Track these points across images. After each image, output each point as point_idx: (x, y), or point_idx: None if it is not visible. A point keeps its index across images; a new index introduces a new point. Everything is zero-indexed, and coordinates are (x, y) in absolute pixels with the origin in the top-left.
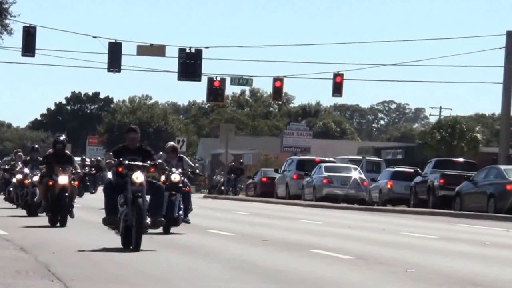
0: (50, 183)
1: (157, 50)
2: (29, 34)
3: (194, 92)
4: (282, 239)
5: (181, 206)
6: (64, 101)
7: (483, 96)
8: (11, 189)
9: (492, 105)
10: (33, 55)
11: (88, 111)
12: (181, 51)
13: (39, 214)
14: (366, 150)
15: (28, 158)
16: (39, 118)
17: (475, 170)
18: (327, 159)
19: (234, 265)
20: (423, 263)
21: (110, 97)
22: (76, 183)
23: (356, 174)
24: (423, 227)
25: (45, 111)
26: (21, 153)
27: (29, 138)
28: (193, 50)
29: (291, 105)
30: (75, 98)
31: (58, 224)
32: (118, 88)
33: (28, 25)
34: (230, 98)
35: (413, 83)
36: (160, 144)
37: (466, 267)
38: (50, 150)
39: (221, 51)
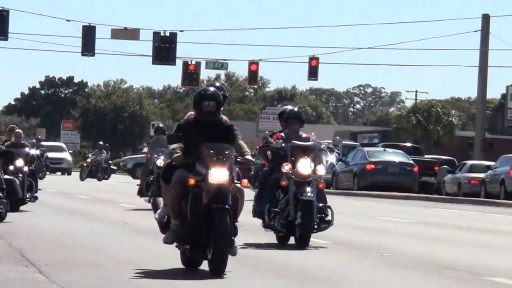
0: (192, 182)
1: (131, 34)
2: (2, 17)
3: (169, 76)
4: (256, 223)
5: None
6: (38, 86)
7: (459, 80)
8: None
9: (468, 89)
10: (6, 39)
11: (62, 96)
12: (156, 34)
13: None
14: (342, 134)
15: (37, 138)
16: (13, 102)
17: (420, 154)
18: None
19: None
20: (399, 248)
21: (84, 81)
22: (245, 183)
23: (332, 158)
24: (399, 212)
25: (19, 96)
26: (19, 130)
27: (3, 123)
28: (167, 34)
29: (267, 89)
30: (49, 82)
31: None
32: (93, 72)
33: (0, 8)
34: (205, 82)
35: (389, 66)
36: (135, 128)
37: (442, 252)
38: (190, 112)
39: (196, 35)
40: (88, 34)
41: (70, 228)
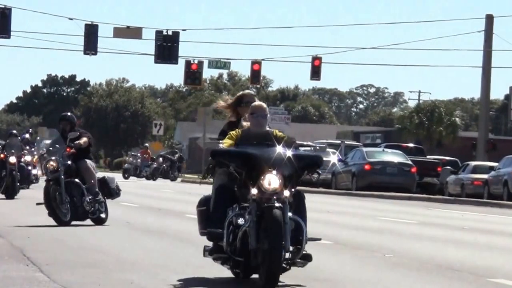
0: None
1: (133, 33)
2: (4, 15)
3: (172, 75)
4: None
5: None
6: (40, 84)
7: (463, 80)
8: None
9: (471, 89)
10: (8, 37)
11: (64, 94)
12: (158, 33)
13: None
14: (345, 135)
15: None
16: (15, 101)
17: (423, 155)
18: (305, 143)
19: None
20: (401, 248)
21: (86, 80)
22: None
23: (334, 158)
24: (401, 212)
25: (21, 94)
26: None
27: (4, 121)
28: (170, 33)
29: (269, 88)
30: (51, 80)
31: None
32: (95, 71)
33: (3, 6)
34: (207, 82)
35: (392, 66)
36: (137, 127)
37: (444, 252)
38: None
39: (198, 34)
40: (91, 33)
41: (71, 227)
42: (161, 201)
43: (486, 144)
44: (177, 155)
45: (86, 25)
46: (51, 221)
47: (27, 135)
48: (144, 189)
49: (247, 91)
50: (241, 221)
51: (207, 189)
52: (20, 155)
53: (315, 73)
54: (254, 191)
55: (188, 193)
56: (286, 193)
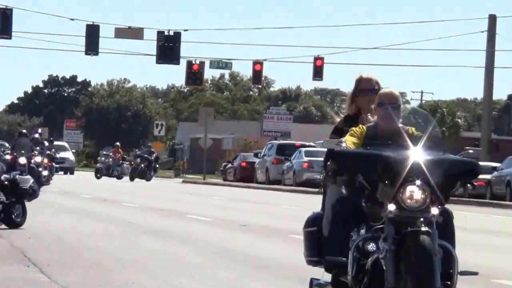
0: None
1: (135, 33)
2: (5, 16)
3: (173, 76)
4: (261, 225)
5: None
6: (41, 85)
7: (465, 81)
8: None
9: (474, 90)
10: (9, 38)
11: (65, 95)
12: (160, 33)
13: None
14: None
15: None
16: (16, 101)
17: None
18: (307, 143)
19: (212, 251)
20: None
21: (87, 80)
22: None
23: None
24: None
25: (22, 95)
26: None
27: (6, 122)
28: (171, 33)
29: (271, 89)
30: (52, 81)
31: None
32: (96, 71)
33: (4, 6)
34: (209, 82)
35: (395, 67)
36: (138, 128)
37: None
38: None
39: (200, 34)
40: (92, 33)
41: (72, 227)
42: (162, 201)
43: (489, 145)
44: (154, 155)
45: (87, 25)
46: (52, 222)
47: (36, 135)
48: (144, 189)
49: (365, 74)
50: (371, 247)
51: (212, 190)
52: (30, 156)
53: (317, 73)
54: (391, 207)
55: (190, 194)
56: (434, 211)
